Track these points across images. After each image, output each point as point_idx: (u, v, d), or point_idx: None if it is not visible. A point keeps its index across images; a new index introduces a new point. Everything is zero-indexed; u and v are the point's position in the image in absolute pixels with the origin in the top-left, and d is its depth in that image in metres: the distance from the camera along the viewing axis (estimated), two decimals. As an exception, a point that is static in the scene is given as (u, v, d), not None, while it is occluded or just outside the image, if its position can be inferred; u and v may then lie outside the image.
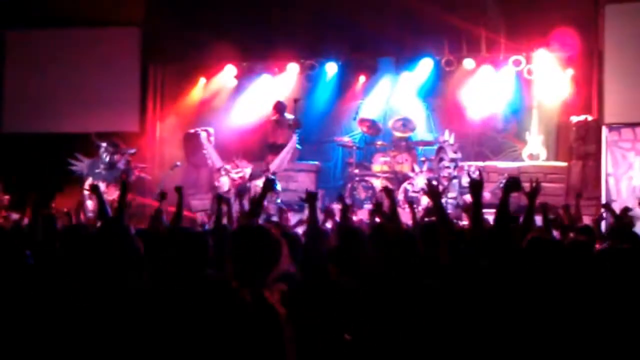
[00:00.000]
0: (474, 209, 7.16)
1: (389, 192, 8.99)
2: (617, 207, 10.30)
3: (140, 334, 4.75)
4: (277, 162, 16.77)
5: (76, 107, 17.88)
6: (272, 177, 14.95)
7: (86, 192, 14.62)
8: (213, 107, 18.85)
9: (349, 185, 16.64)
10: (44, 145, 17.47)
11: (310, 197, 7.49)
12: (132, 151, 16.92)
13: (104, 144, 16.58)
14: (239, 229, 5.22)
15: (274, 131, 17.86)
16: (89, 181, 15.90)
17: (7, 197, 14.69)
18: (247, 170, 16.52)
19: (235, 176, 16.38)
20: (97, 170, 16.34)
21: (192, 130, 18.19)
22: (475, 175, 6.81)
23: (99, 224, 8.78)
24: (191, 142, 18.06)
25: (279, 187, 16.07)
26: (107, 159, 16.47)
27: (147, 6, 18.18)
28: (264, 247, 4.78)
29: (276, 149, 17.37)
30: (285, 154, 16.89)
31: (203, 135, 17.55)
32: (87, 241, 6.46)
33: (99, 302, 4.91)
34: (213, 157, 17.06)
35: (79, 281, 5.24)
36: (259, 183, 15.80)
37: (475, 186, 7.12)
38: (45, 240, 7.10)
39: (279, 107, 17.94)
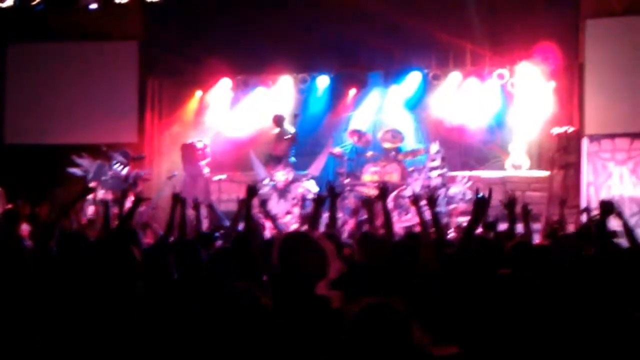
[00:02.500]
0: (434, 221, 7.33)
1: (374, 201, 9.00)
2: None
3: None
4: (314, 166, 17.24)
5: (77, 118, 17.87)
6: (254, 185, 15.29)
7: (90, 197, 14.70)
8: (209, 118, 18.86)
9: (340, 195, 16.49)
10: (45, 156, 17.45)
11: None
12: (142, 156, 17.33)
13: (117, 157, 16.62)
14: (285, 237, 5.02)
15: (274, 143, 17.87)
16: (92, 184, 15.90)
17: (9, 205, 14.62)
18: (290, 175, 16.73)
19: (282, 178, 16.60)
20: (104, 178, 16.43)
21: (189, 141, 18.17)
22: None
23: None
24: (188, 153, 18.03)
25: (316, 189, 16.53)
26: (123, 171, 16.52)
27: (145, 21, 18.17)
28: (310, 254, 4.71)
29: (275, 160, 17.38)
30: (322, 159, 17.33)
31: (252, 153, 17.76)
32: (86, 248, 6.59)
33: (94, 309, 4.86)
34: (258, 169, 17.30)
35: (75, 287, 5.22)
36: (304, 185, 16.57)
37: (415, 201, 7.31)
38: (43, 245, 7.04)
39: (278, 120, 17.95)
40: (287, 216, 16.07)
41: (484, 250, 6.64)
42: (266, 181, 16.78)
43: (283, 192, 16.61)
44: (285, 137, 17.69)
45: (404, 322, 3.80)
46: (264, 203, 13.57)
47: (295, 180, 16.64)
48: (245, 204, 8.14)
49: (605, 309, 5.42)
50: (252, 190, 8.07)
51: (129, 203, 15.40)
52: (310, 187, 16.64)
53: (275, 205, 16.13)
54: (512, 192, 8.24)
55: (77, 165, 16.76)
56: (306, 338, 4.39)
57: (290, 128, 17.82)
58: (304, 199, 16.15)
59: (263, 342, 4.13)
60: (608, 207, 8.06)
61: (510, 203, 8.12)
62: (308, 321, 4.49)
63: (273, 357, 4.20)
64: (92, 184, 15.88)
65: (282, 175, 16.65)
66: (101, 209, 9.99)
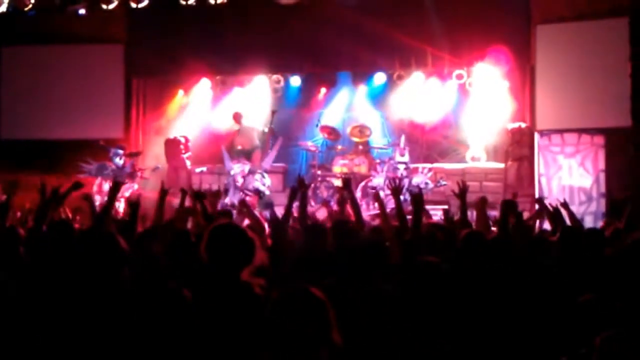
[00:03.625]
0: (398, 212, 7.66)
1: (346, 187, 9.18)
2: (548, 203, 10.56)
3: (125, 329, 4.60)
4: (266, 160, 17.20)
5: (67, 116, 18.05)
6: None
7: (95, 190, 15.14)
8: (190, 116, 19.17)
9: (312, 185, 16.75)
10: (38, 151, 17.65)
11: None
12: (138, 152, 17.61)
13: (113, 149, 16.95)
14: (214, 227, 4.94)
15: (239, 138, 18.23)
16: (97, 181, 16.29)
17: (4, 197, 14.88)
18: (246, 167, 16.89)
19: (238, 170, 16.80)
20: (105, 172, 16.62)
21: (171, 137, 18.50)
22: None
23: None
24: (171, 147, 18.37)
25: (268, 182, 16.82)
26: (120, 162, 16.87)
27: (129, 25, 18.34)
28: (238, 244, 4.75)
29: (243, 154, 17.77)
30: (272, 153, 17.28)
31: (223, 148, 17.71)
32: (72, 237, 6.71)
33: (80, 295, 4.84)
34: (226, 162, 17.34)
35: (63, 277, 5.19)
36: (257, 177, 16.63)
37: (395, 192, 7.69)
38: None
39: (237, 117, 18.36)
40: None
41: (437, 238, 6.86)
42: (232, 172, 17.03)
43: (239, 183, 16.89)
44: (245, 132, 18.21)
45: (322, 310, 3.77)
46: (226, 192, 14.01)
47: (250, 172, 16.84)
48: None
49: (552, 294, 5.50)
50: (199, 195, 8.27)
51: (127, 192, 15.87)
52: (263, 180, 16.84)
53: (232, 195, 16.41)
54: (463, 182, 8.46)
55: (83, 172, 16.72)
56: (230, 323, 4.42)
57: (248, 124, 18.30)
58: (256, 190, 16.52)
59: (184, 333, 4.16)
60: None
61: (462, 192, 8.20)
62: (233, 306, 4.51)
63: (196, 346, 4.26)
64: (97, 181, 16.32)
65: (238, 167, 16.92)
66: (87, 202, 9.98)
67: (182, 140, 18.52)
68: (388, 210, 9.89)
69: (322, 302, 3.82)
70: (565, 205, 9.27)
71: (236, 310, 4.50)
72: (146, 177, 17.02)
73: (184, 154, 18.45)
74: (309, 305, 3.79)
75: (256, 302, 4.48)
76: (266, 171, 17.03)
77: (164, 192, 8.68)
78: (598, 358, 3.50)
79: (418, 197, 7.27)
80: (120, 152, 17.07)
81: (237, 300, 4.56)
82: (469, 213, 8.79)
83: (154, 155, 18.51)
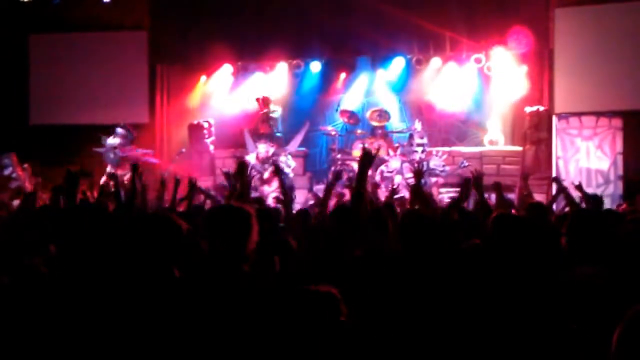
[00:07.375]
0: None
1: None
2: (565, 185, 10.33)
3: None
4: (292, 143, 17.38)
5: (93, 102, 18.02)
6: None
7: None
8: (213, 100, 18.99)
9: (332, 169, 16.65)
10: (66, 135, 17.73)
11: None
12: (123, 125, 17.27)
13: (118, 132, 16.89)
14: (211, 209, 4.78)
15: (263, 123, 18.11)
16: (109, 168, 16.12)
17: (38, 179, 15.13)
18: (271, 149, 16.80)
19: (262, 150, 16.73)
20: (111, 156, 16.65)
21: (195, 122, 18.44)
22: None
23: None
24: (195, 132, 18.32)
25: (293, 164, 16.91)
26: (110, 143, 16.76)
27: (153, 12, 18.36)
28: (235, 224, 4.47)
29: (264, 137, 17.56)
30: (299, 137, 17.44)
31: (246, 131, 17.70)
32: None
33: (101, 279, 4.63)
34: (249, 145, 17.35)
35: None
36: (283, 159, 16.62)
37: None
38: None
39: (265, 102, 18.26)
40: (264, 186, 16.22)
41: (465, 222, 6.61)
42: (252, 155, 16.90)
43: (262, 164, 16.69)
44: (268, 117, 18.04)
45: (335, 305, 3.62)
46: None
47: (275, 154, 16.80)
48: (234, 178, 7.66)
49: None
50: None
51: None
52: (288, 162, 16.82)
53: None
54: (477, 170, 8.07)
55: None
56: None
57: (277, 108, 18.27)
58: (281, 171, 16.34)
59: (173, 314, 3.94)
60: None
61: (477, 180, 7.75)
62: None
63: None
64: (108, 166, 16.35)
65: (263, 148, 16.86)
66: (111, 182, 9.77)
67: (206, 125, 18.48)
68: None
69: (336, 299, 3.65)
70: (579, 187, 9.10)
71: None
72: (151, 159, 16.85)
73: (208, 138, 18.41)
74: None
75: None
76: (291, 154, 17.08)
77: (177, 182, 8.67)
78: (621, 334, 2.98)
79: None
80: (122, 133, 17.05)
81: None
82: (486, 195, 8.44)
83: (178, 140, 18.53)
